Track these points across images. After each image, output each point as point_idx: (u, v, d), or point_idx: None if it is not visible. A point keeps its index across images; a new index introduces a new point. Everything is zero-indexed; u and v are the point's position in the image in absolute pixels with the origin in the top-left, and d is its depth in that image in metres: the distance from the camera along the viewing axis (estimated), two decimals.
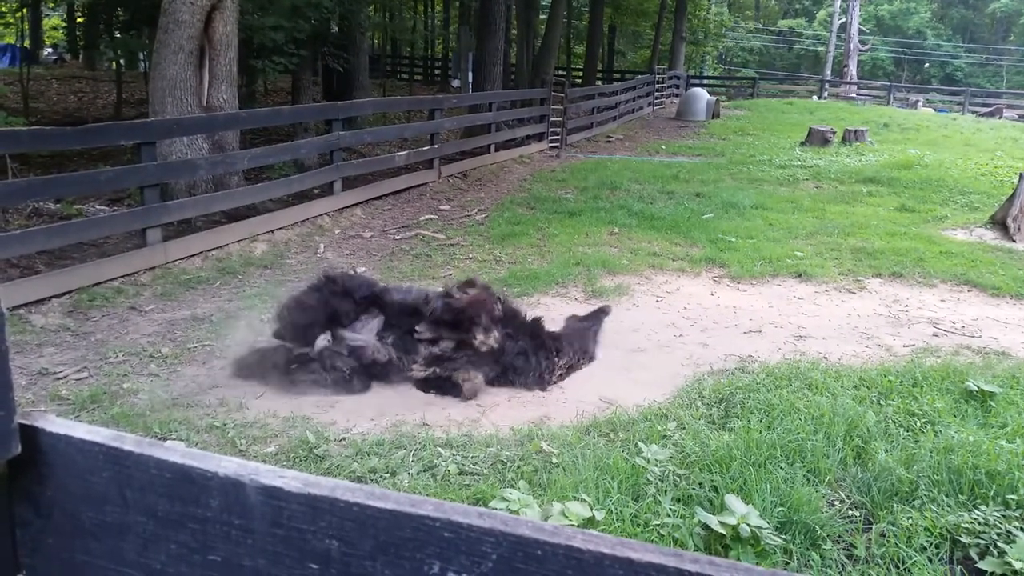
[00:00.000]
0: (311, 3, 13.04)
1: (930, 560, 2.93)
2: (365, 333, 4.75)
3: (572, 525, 2.68)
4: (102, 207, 8.48)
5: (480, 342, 4.68)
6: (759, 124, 22.59)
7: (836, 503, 3.38)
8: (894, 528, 3.11)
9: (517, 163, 14.45)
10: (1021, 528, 3.05)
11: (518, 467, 3.65)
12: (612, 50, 41.73)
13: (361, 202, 10.06)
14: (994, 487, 3.31)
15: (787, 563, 2.94)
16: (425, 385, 4.67)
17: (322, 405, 4.42)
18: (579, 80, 28.62)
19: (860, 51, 43.56)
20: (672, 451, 3.70)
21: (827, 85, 38.35)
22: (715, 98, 25.72)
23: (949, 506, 3.24)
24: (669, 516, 3.13)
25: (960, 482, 3.38)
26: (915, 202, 11.07)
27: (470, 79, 17.15)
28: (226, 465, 0.83)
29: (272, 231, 8.37)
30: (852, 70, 41.26)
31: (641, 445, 3.68)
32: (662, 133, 21.09)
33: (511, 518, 0.75)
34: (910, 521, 3.12)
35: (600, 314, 5.64)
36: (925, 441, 3.77)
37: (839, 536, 3.14)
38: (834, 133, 17.37)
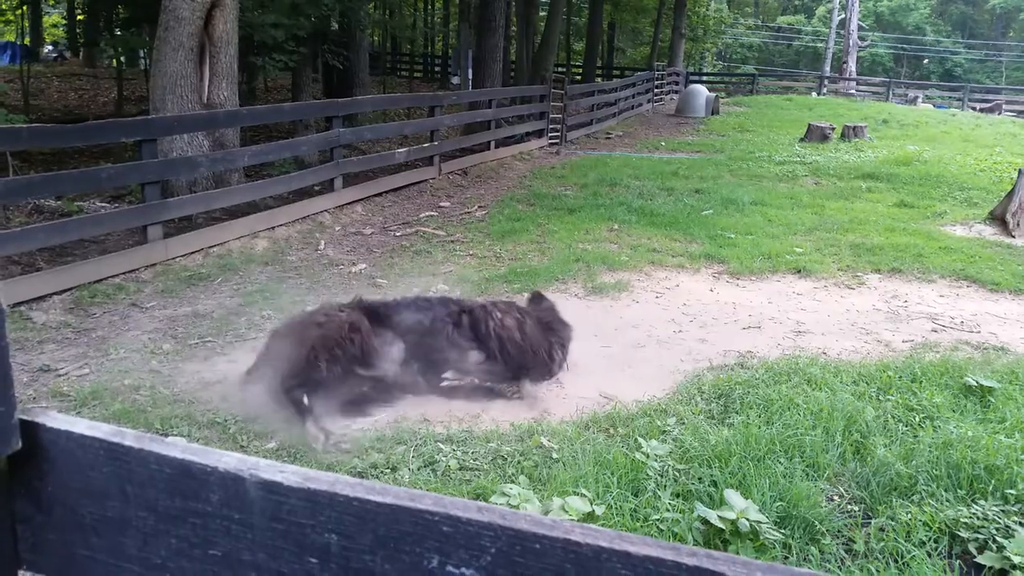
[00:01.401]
0: (311, 0, 13.03)
1: (929, 555, 2.93)
2: (387, 363, 4.43)
3: (572, 520, 2.69)
4: (103, 204, 8.47)
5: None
6: (758, 120, 22.57)
7: (835, 498, 3.38)
8: (893, 523, 3.11)
9: (517, 160, 14.44)
10: (1020, 523, 3.06)
11: (518, 462, 3.66)
12: (612, 47, 41.69)
13: (361, 199, 10.05)
14: (993, 482, 3.31)
15: (786, 557, 2.95)
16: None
17: None
18: (579, 77, 28.61)
19: (859, 47, 43.47)
20: (671, 446, 3.71)
21: (826, 81, 38.27)
22: (714, 95, 25.71)
23: (948, 501, 3.25)
24: (668, 511, 3.14)
25: (959, 477, 3.38)
26: (914, 198, 11.07)
27: (470, 76, 17.12)
28: (226, 460, 0.83)
29: (273, 228, 8.37)
30: (851, 66, 41.18)
31: (641, 440, 3.69)
32: (662, 130, 21.08)
33: (510, 512, 0.76)
34: (909, 516, 3.12)
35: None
36: (924, 436, 3.77)
37: (838, 531, 3.14)
38: (833, 129, 17.36)
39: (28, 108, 14.76)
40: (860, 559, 2.96)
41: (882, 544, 3.01)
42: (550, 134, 16.55)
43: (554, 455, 3.70)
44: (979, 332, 5.77)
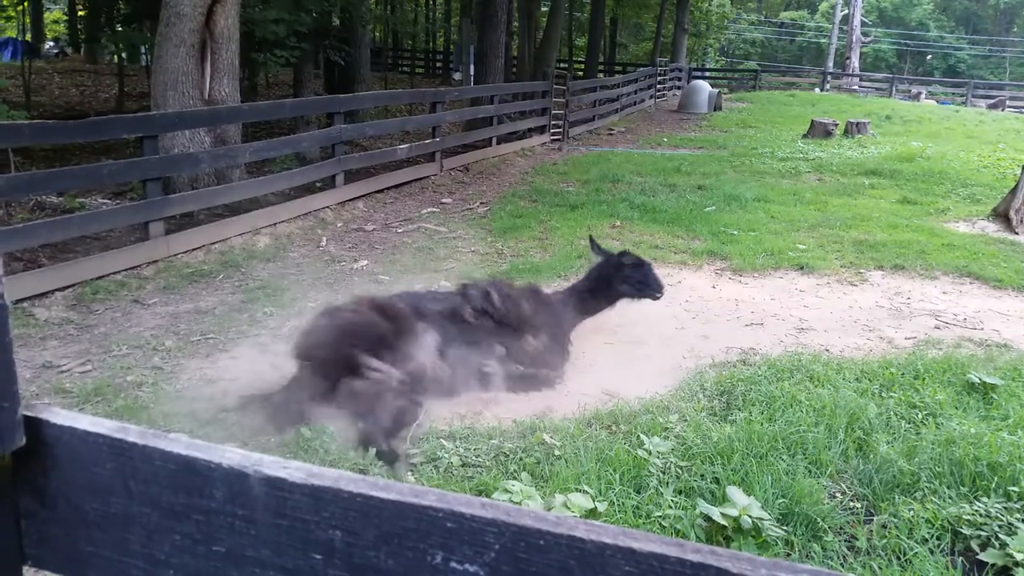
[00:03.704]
0: None
1: (931, 552, 2.93)
2: (421, 354, 4.28)
3: (575, 516, 2.69)
4: (105, 201, 8.48)
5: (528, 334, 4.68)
6: (761, 116, 22.53)
7: (838, 495, 3.38)
8: (896, 520, 3.11)
9: (519, 156, 14.42)
10: (1022, 520, 3.05)
11: (521, 459, 3.66)
12: (614, 42, 41.63)
13: (363, 195, 10.05)
14: (995, 479, 3.31)
15: (788, 554, 2.94)
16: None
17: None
18: (581, 73, 28.58)
19: (862, 43, 43.37)
20: (674, 443, 3.70)
21: (829, 77, 38.22)
22: (717, 90, 25.68)
23: (950, 498, 3.24)
24: (671, 508, 3.14)
25: (961, 474, 3.38)
26: (917, 194, 11.05)
27: (472, 72, 17.08)
28: (230, 456, 0.83)
29: (274, 224, 8.37)
30: (854, 62, 41.09)
31: (643, 437, 3.69)
32: (664, 126, 21.05)
33: (514, 508, 0.76)
34: (911, 513, 3.12)
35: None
36: (927, 433, 3.77)
37: (841, 528, 3.14)
38: (836, 125, 17.33)
39: (29, 104, 14.76)
40: (862, 556, 2.96)
41: (884, 541, 3.01)
42: (552, 130, 16.52)
43: (556, 452, 3.70)
44: (982, 329, 5.76)
